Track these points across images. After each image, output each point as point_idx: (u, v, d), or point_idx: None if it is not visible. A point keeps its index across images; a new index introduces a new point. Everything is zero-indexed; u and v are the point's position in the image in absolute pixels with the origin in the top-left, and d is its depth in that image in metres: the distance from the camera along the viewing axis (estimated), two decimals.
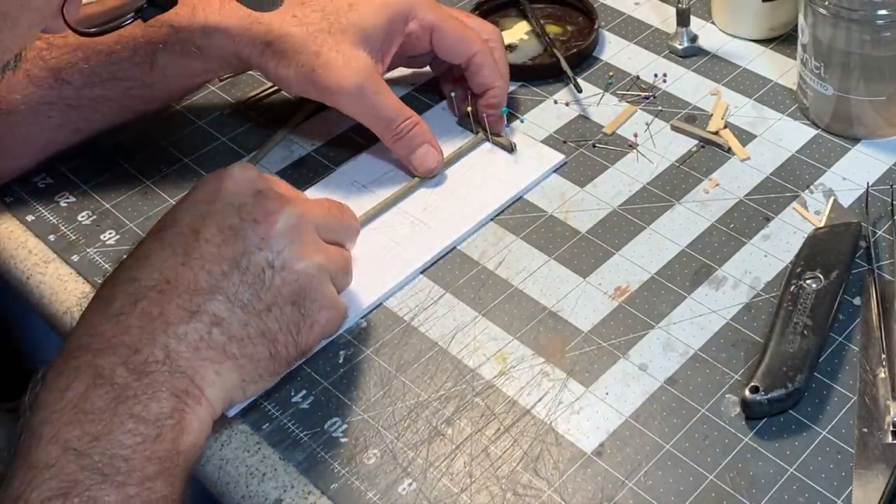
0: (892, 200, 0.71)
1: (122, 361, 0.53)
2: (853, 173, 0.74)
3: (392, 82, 0.82)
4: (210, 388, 0.56)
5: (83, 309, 0.58)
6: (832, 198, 0.72)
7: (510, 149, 0.78)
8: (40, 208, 0.78)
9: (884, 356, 0.61)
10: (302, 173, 0.79)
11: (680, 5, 0.84)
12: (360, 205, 0.75)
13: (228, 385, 0.57)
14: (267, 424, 0.62)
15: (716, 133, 0.78)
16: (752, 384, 0.59)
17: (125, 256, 0.59)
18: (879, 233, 0.70)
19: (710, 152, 0.77)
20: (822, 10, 0.71)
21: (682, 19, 0.85)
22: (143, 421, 0.52)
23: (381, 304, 0.69)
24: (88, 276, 0.72)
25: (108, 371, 0.53)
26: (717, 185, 0.74)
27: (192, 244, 0.57)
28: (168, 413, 0.53)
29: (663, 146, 0.78)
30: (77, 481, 0.50)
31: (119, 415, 0.52)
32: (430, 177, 0.76)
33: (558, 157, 0.77)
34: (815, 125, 0.78)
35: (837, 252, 0.66)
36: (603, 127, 0.80)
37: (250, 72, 0.87)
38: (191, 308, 0.56)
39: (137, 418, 0.52)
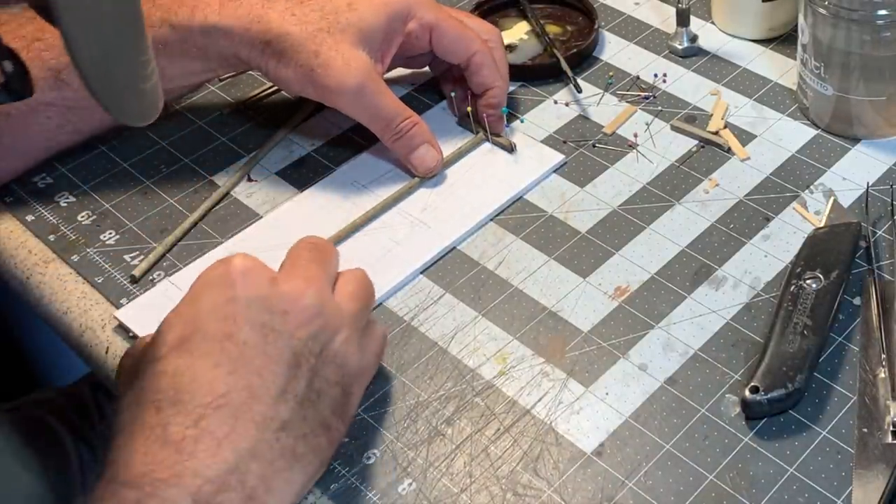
0: (892, 200, 0.71)
1: (190, 493, 0.49)
2: (853, 173, 0.74)
3: (392, 82, 0.82)
4: (278, 500, 0.52)
5: (112, 432, 0.53)
6: (832, 198, 0.72)
7: (510, 149, 0.78)
8: (40, 208, 0.78)
9: (884, 356, 0.61)
10: (302, 173, 0.79)
11: (680, 5, 0.84)
12: (360, 205, 0.75)
13: (295, 490, 0.53)
14: None
15: (716, 133, 0.78)
16: (752, 384, 0.59)
17: (138, 374, 0.54)
18: (879, 233, 0.70)
19: (710, 152, 0.77)
20: (822, 10, 0.71)
21: (682, 19, 0.85)
22: None
23: (381, 304, 0.69)
24: (88, 276, 0.72)
25: None
26: (717, 185, 0.74)
27: (230, 350, 0.52)
28: None
29: (663, 146, 0.78)
30: None
31: None
32: (430, 177, 0.76)
33: (558, 157, 0.77)
34: (815, 125, 0.78)
35: (837, 252, 0.66)
36: (603, 127, 0.80)
37: (250, 72, 0.87)
38: (255, 419, 0.51)
39: None
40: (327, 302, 0.56)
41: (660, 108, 0.81)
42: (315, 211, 0.75)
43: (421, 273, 0.70)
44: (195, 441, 0.50)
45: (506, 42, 0.84)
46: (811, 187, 0.74)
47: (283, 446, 0.52)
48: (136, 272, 0.71)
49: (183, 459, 0.50)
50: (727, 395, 0.61)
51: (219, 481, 0.50)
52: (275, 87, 0.86)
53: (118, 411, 0.53)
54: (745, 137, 0.78)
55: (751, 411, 0.60)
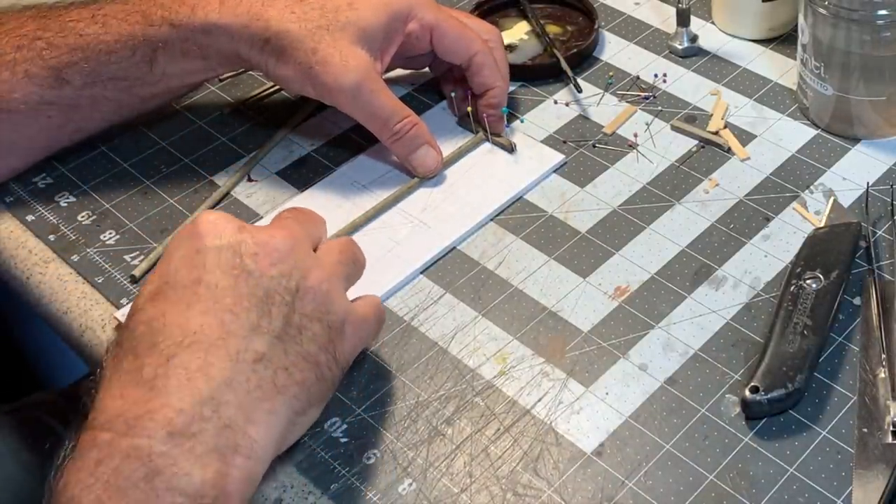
0: (892, 200, 0.71)
1: (163, 426, 0.49)
2: (853, 173, 0.74)
3: (392, 82, 0.82)
4: (261, 434, 0.52)
5: (95, 380, 0.53)
6: (832, 198, 0.72)
7: (510, 149, 0.78)
8: (40, 208, 0.78)
9: (884, 356, 0.61)
10: (302, 173, 0.79)
11: (680, 5, 0.84)
12: (360, 205, 0.75)
13: (281, 423, 0.53)
14: None
15: (716, 133, 0.78)
16: (752, 384, 0.59)
17: (119, 331, 0.55)
18: (879, 233, 0.70)
19: (710, 152, 0.77)
20: (822, 10, 0.71)
21: (682, 19, 0.85)
22: (184, 494, 0.48)
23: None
24: (88, 276, 0.72)
25: (145, 441, 0.49)
26: (717, 185, 0.74)
27: (202, 293, 0.53)
28: (212, 481, 0.49)
29: (663, 146, 0.78)
30: None
31: (156, 490, 0.48)
32: (430, 177, 0.76)
33: (558, 157, 0.77)
34: (815, 125, 0.78)
35: (837, 252, 0.66)
36: (603, 127, 0.80)
37: (250, 72, 0.87)
38: (230, 352, 0.52)
39: (176, 492, 0.48)
40: (299, 245, 0.57)
41: (660, 108, 0.81)
42: (315, 211, 0.75)
43: (421, 273, 0.70)
44: (167, 377, 0.50)
45: (506, 42, 0.84)
46: (811, 187, 0.74)
47: (261, 378, 0.52)
48: (136, 272, 0.72)
49: (155, 396, 0.50)
50: (727, 395, 0.61)
51: (192, 412, 0.50)
52: (275, 87, 0.86)
53: (100, 369, 0.54)
54: (745, 137, 0.78)
55: (751, 411, 0.60)
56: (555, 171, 0.77)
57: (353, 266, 0.61)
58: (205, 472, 0.49)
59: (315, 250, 0.59)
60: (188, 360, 0.51)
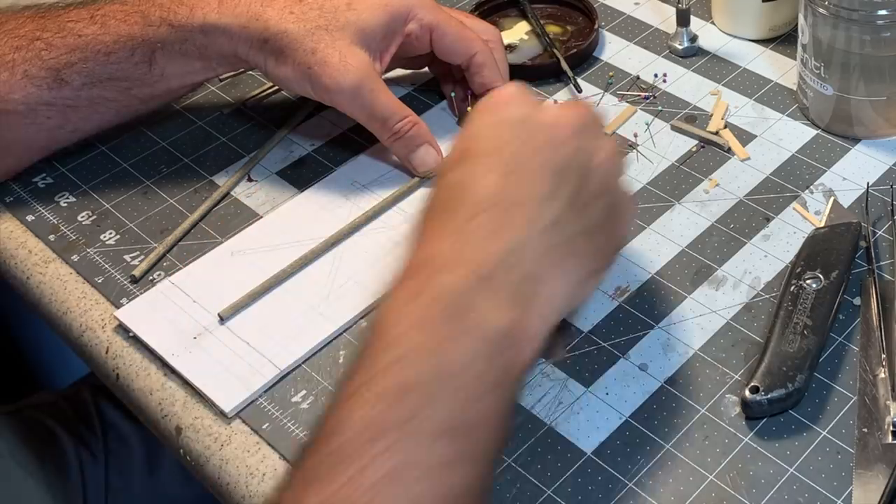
0: (892, 200, 0.71)
1: (471, 269, 0.52)
2: (853, 173, 0.74)
3: (392, 82, 0.82)
4: (555, 289, 0.54)
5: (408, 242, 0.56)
6: (832, 198, 0.72)
7: None
8: (40, 208, 0.78)
9: (884, 356, 0.61)
10: (302, 173, 0.79)
11: (680, 5, 0.84)
12: (359, 205, 0.75)
13: (572, 282, 0.55)
14: (267, 424, 0.62)
15: (716, 133, 0.78)
16: (752, 384, 0.59)
17: (431, 191, 0.58)
18: (879, 233, 0.70)
19: (710, 152, 0.77)
20: (822, 10, 0.71)
21: (682, 19, 0.85)
22: (481, 337, 0.51)
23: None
24: (88, 276, 0.72)
25: (454, 281, 0.52)
26: (717, 185, 0.74)
27: (503, 160, 0.56)
28: (513, 324, 0.51)
29: (663, 146, 0.78)
30: (412, 384, 0.49)
31: (462, 327, 0.50)
32: (430, 177, 0.76)
33: None
34: (815, 125, 0.78)
35: (837, 252, 0.66)
36: (603, 127, 0.80)
37: (250, 72, 0.87)
38: (527, 215, 0.55)
39: (478, 330, 0.51)
40: (590, 126, 0.59)
41: (660, 108, 0.81)
42: (315, 211, 0.75)
43: None
44: (472, 232, 0.54)
45: (506, 42, 0.84)
46: (811, 187, 0.74)
47: (555, 242, 0.55)
48: (136, 272, 0.72)
49: (462, 245, 0.53)
50: (727, 395, 0.61)
51: (496, 260, 0.53)
52: (275, 87, 0.86)
53: (416, 226, 0.58)
54: (745, 137, 0.78)
55: (751, 411, 0.60)
56: None
57: (625, 160, 0.63)
58: (508, 313, 0.51)
59: None
60: (491, 219, 0.54)
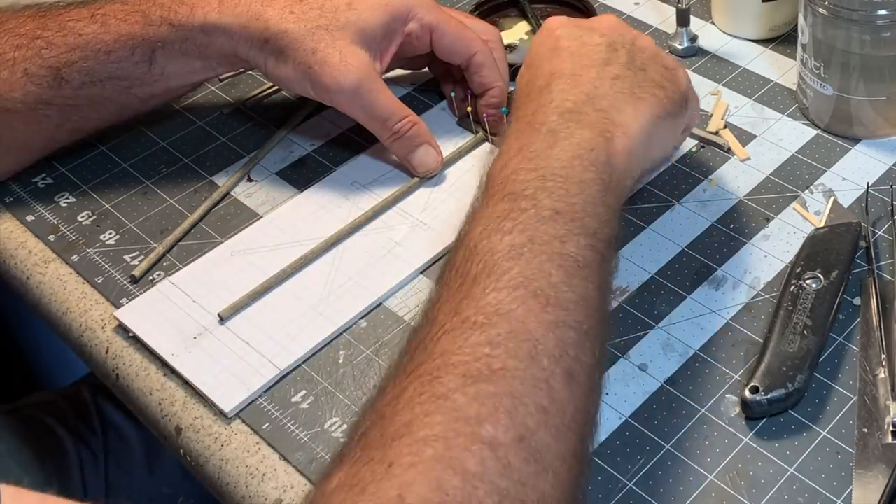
0: (892, 200, 0.71)
1: (556, 110, 0.62)
2: (853, 173, 0.74)
3: (392, 82, 0.82)
4: (631, 119, 0.63)
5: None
6: (832, 198, 0.72)
7: None
8: (40, 208, 0.78)
9: (884, 356, 0.61)
10: (302, 173, 0.79)
11: (680, 5, 0.84)
12: (359, 205, 0.75)
13: (645, 117, 0.64)
14: (267, 424, 0.62)
15: (716, 133, 0.78)
16: (752, 384, 0.59)
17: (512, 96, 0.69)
18: (879, 233, 0.70)
19: (710, 152, 0.77)
20: (822, 10, 0.71)
21: (682, 19, 0.85)
22: (575, 143, 0.60)
23: (381, 304, 0.69)
24: (88, 277, 0.72)
25: (544, 117, 0.62)
26: (717, 185, 0.74)
27: (559, 53, 0.66)
28: (598, 138, 0.61)
29: None
30: (521, 189, 0.58)
31: (556, 139, 0.60)
32: (430, 177, 0.76)
33: None
34: (815, 125, 0.78)
35: (837, 252, 0.66)
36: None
37: (250, 72, 0.87)
38: (590, 75, 0.64)
39: (569, 141, 0.60)
40: (624, 25, 0.69)
41: None
42: (315, 211, 0.75)
43: (421, 273, 0.70)
44: (550, 91, 0.64)
45: (506, 42, 0.84)
46: (811, 187, 0.74)
47: (621, 88, 0.64)
48: (136, 272, 0.72)
49: (545, 101, 0.63)
50: (727, 395, 0.61)
51: (574, 101, 0.63)
52: (275, 87, 0.86)
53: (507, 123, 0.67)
54: (745, 137, 0.78)
55: (751, 411, 0.60)
56: None
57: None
58: (592, 132, 0.61)
59: None
60: (562, 83, 0.64)
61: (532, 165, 0.59)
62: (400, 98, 0.76)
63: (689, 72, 0.83)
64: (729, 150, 0.77)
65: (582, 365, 0.52)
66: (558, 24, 0.69)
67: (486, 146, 0.79)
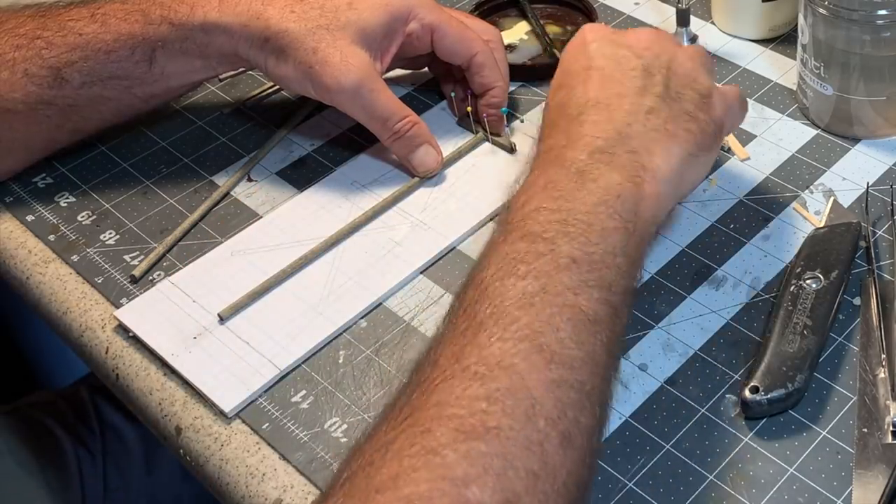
0: (892, 200, 0.71)
1: (586, 147, 0.60)
2: (853, 173, 0.74)
3: (392, 82, 0.82)
4: (662, 162, 0.61)
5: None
6: (832, 198, 0.72)
7: (510, 149, 0.78)
8: (40, 208, 0.78)
9: (884, 356, 0.61)
10: (302, 173, 0.79)
11: (680, 5, 0.84)
12: (359, 205, 0.75)
13: (677, 158, 0.62)
14: (267, 424, 0.62)
15: None
16: (752, 384, 0.59)
17: (543, 113, 0.67)
18: (879, 233, 0.70)
19: None
20: (822, 10, 0.71)
21: (682, 19, 0.85)
22: (603, 188, 0.58)
23: (381, 304, 0.69)
24: (88, 276, 0.72)
25: (574, 154, 0.60)
26: (717, 185, 0.74)
27: (593, 74, 0.65)
28: (626, 182, 0.59)
29: None
30: (540, 230, 0.56)
31: (584, 182, 0.58)
32: (430, 177, 0.76)
33: None
34: (815, 125, 0.78)
35: (837, 252, 0.66)
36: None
37: (250, 72, 0.87)
38: (625, 107, 0.62)
39: (597, 184, 0.58)
40: (664, 37, 0.68)
41: None
42: (315, 211, 0.75)
43: (421, 273, 0.70)
44: (582, 123, 0.62)
45: (506, 42, 0.84)
46: (811, 187, 0.74)
47: (655, 125, 0.62)
48: (136, 272, 0.72)
49: (575, 134, 0.61)
50: (727, 395, 0.61)
51: (605, 139, 0.61)
52: (275, 87, 0.86)
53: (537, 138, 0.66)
54: (745, 137, 0.78)
55: (751, 411, 0.60)
56: None
57: (711, 64, 0.69)
58: (621, 175, 0.59)
59: None
60: (595, 115, 0.62)
61: (555, 206, 0.57)
62: (400, 98, 0.76)
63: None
64: (729, 150, 0.77)
65: (580, 427, 0.51)
66: (593, 37, 0.67)
67: (486, 146, 0.79)
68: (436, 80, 0.84)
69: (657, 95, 0.63)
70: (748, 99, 0.81)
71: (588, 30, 0.68)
